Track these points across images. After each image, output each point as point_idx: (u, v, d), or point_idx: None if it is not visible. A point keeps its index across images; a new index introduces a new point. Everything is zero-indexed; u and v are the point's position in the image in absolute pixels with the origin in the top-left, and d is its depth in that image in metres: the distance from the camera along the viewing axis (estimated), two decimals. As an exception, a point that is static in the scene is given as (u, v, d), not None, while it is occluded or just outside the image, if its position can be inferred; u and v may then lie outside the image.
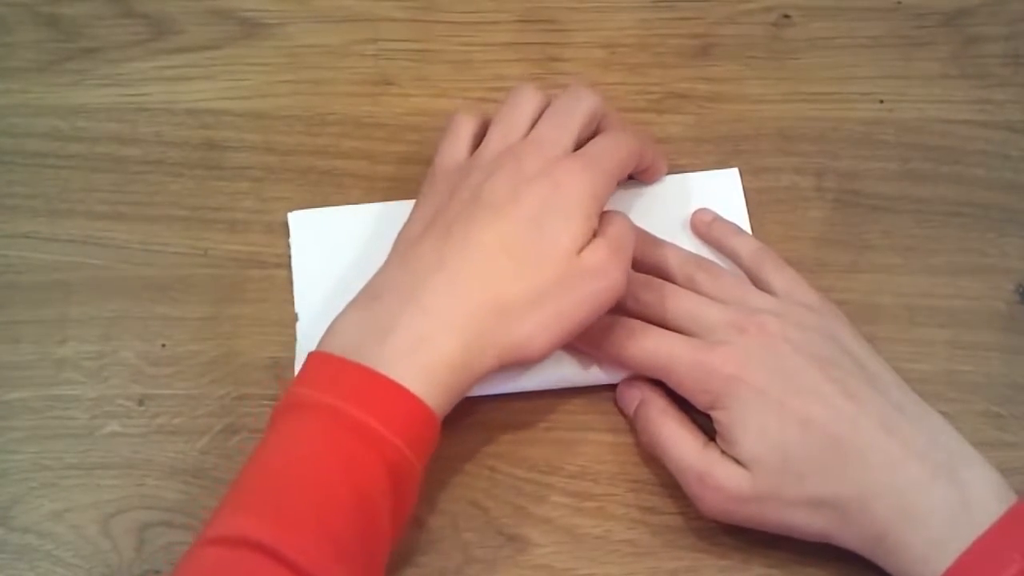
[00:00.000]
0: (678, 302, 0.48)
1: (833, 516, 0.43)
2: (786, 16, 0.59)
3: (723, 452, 0.45)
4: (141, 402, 0.50)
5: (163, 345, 0.51)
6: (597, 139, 0.48)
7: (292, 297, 0.52)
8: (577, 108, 0.48)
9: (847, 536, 0.44)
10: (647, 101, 0.57)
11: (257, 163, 0.55)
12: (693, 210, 0.53)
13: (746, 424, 0.44)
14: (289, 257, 0.53)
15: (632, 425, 0.49)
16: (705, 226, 0.53)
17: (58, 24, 0.58)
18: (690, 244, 0.53)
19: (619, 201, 0.53)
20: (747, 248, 0.51)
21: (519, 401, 0.50)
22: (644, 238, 0.51)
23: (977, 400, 0.50)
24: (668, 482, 0.48)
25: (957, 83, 0.57)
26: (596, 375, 0.50)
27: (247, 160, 0.55)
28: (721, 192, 0.54)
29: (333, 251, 0.52)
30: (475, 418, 0.49)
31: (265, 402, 0.50)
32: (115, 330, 0.51)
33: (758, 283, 0.50)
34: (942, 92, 0.57)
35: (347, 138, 0.56)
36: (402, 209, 0.50)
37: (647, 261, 0.51)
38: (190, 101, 0.56)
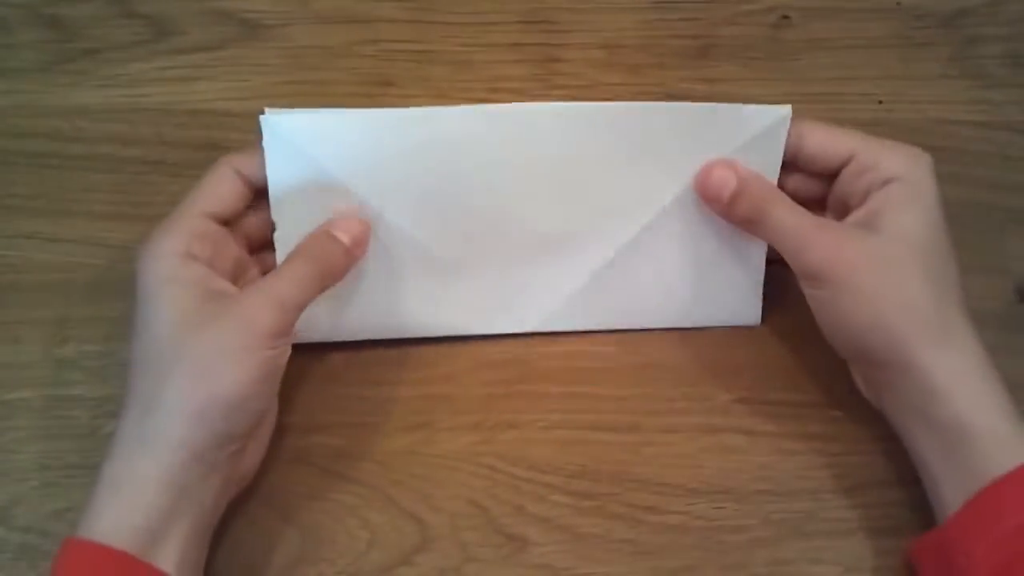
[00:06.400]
0: None
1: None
2: (785, 17, 0.59)
3: None
4: (142, 402, 0.50)
5: (164, 345, 0.51)
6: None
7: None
8: None
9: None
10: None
11: (258, 163, 0.55)
12: (731, 141, 0.48)
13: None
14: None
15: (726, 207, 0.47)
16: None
17: (59, 25, 0.58)
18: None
19: (655, 127, 0.48)
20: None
21: (519, 400, 0.50)
22: None
23: (977, 400, 0.50)
24: (668, 482, 0.48)
25: (957, 84, 0.57)
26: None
27: (248, 161, 0.55)
28: (764, 128, 0.47)
29: (311, 157, 0.47)
30: (475, 418, 0.49)
31: (266, 402, 0.50)
32: (116, 330, 0.51)
33: None
34: (942, 93, 0.57)
35: (347, 139, 0.56)
36: (386, 116, 0.46)
37: None
38: (191, 102, 0.57)
